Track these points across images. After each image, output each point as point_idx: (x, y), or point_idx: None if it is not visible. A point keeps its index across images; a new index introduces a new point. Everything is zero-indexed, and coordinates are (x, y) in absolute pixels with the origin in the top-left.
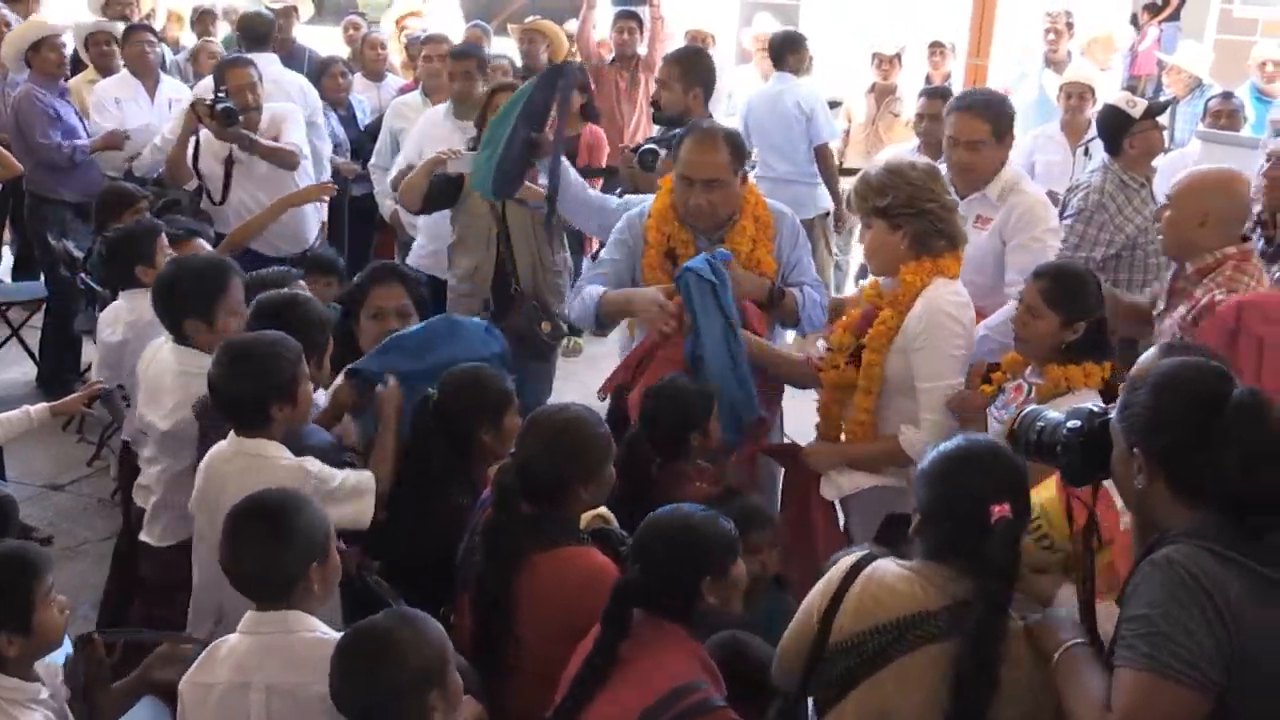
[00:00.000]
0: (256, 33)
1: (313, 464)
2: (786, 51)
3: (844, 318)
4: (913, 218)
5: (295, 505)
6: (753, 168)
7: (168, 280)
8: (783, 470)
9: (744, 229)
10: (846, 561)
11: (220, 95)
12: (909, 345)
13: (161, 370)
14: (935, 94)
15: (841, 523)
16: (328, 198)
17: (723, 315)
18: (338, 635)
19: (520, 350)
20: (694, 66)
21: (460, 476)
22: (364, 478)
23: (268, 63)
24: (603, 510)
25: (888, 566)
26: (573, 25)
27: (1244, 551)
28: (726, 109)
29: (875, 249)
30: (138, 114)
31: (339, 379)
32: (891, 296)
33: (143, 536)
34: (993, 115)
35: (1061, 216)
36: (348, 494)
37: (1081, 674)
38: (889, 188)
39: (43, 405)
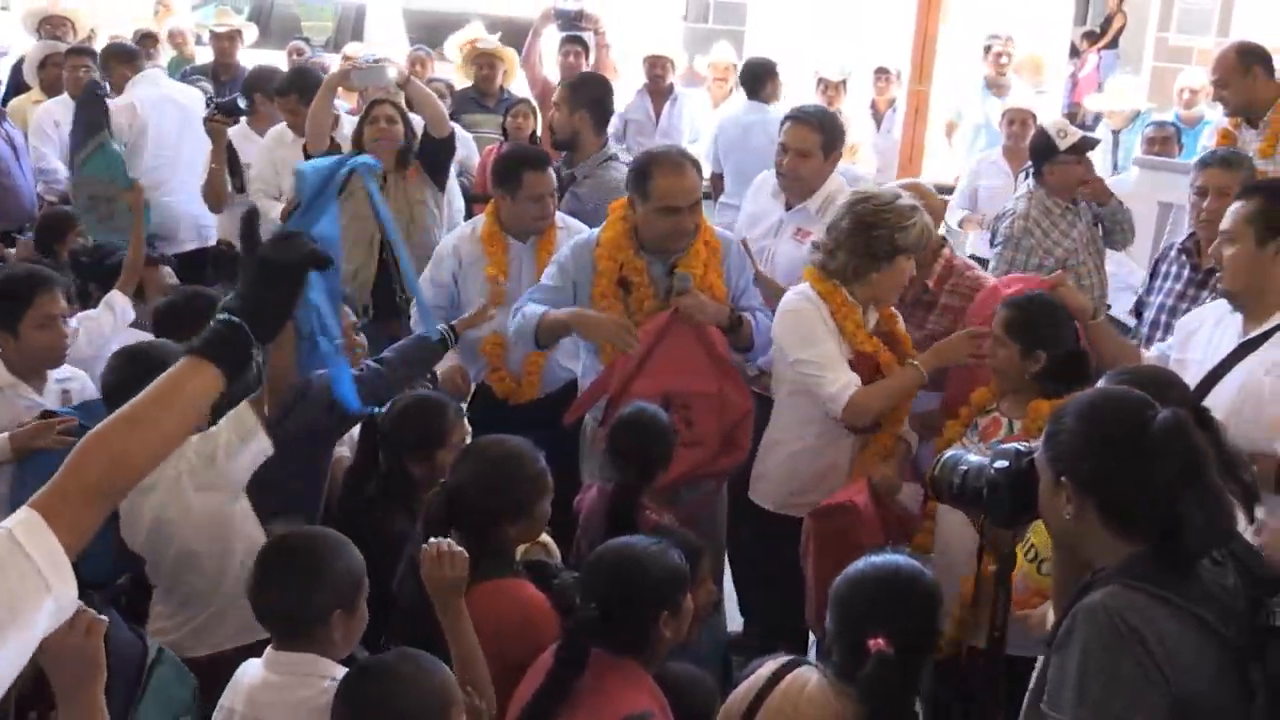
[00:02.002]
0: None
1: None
2: (764, 81)
3: None
4: (862, 238)
5: (332, 547)
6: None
7: None
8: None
9: (697, 252)
10: (770, 666)
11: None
12: None
13: None
14: None
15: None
16: None
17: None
18: None
19: None
20: (580, 90)
21: (399, 502)
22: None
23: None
24: (545, 539)
25: (808, 676)
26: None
27: (1175, 589)
28: (690, 136)
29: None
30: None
31: None
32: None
33: None
34: (824, 128)
35: (991, 244)
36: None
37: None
38: (844, 214)
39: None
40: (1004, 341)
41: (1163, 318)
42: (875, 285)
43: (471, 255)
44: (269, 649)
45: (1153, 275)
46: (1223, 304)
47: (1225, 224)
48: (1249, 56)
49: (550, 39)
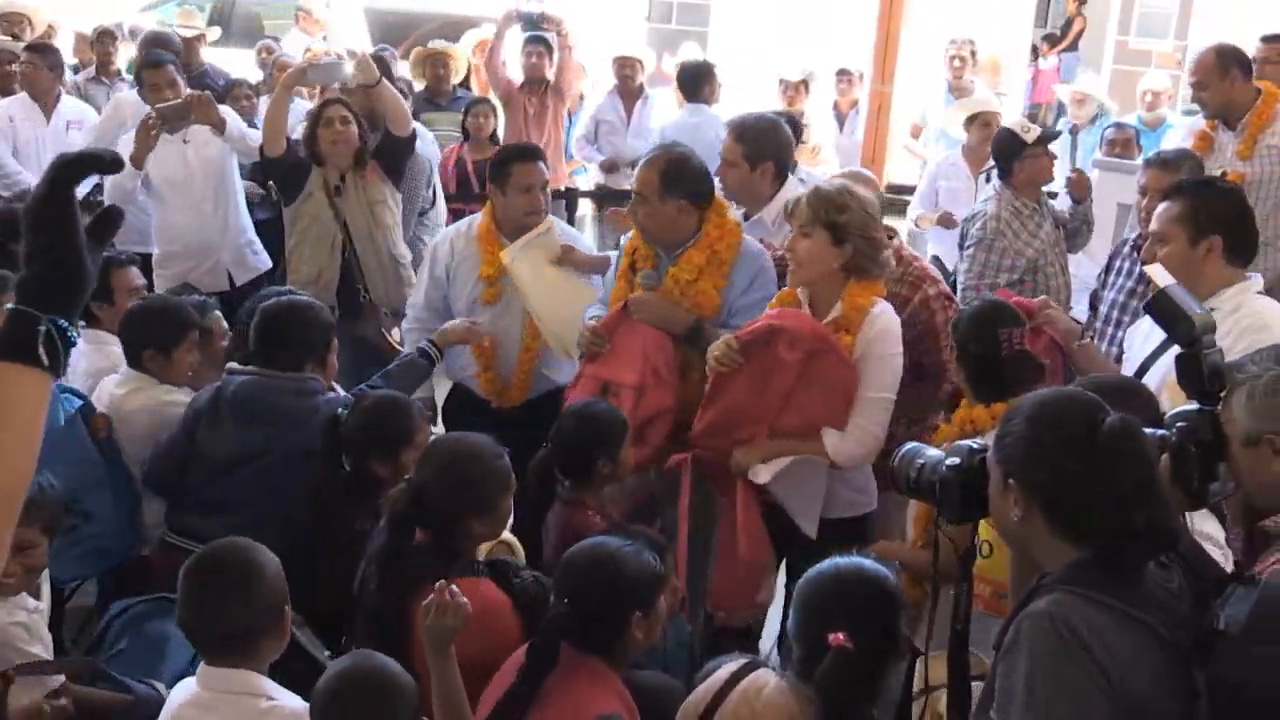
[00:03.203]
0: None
1: None
2: (702, 82)
3: None
4: (860, 240)
5: (260, 560)
6: None
7: None
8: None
9: (690, 258)
10: (728, 669)
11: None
12: (862, 355)
13: None
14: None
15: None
16: None
17: None
18: (292, 702)
19: (369, 360)
20: None
21: (361, 503)
22: None
23: None
24: (508, 537)
25: (766, 678)
26: (470, 37)
27: (1120, 595)
28: (660, 136)
29: (811, 258)
30: (29, 134)
31: None
32: (844, 321)
33: None
34: (746, 138)
35: (961, 246)
36: None
37: None
38: (847, 207)
39: None
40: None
41: (1114, 313)
42: None
43: (463, 253)
44: (202, 667)
45: (1107, 270)
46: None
47: (1155, 225)
48: (1227, 58)
49: (513, 40)
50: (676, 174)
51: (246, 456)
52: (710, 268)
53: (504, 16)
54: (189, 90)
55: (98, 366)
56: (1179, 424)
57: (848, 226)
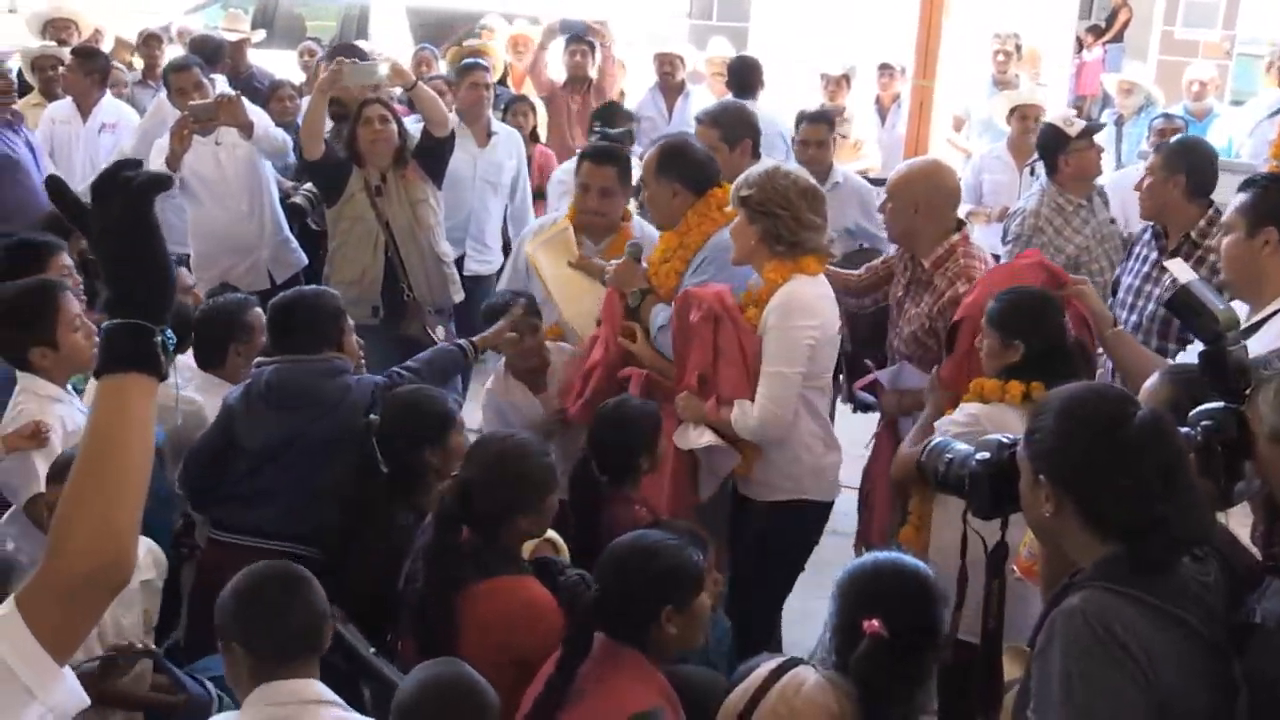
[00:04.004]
0: (204, 53)
1: None
2: (754, 78)
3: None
4: (763, 216)
5: (307, 575)
6: None
7: None
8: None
9: (667, 240)
10: (767, 667)
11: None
12: (765, 329)
13: None
14: (818, 119)
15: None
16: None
17: None
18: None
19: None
20: None
21: (403, 499)
22: None
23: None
24: (552, 536)
25: (805, 675)
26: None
27: (1153, 590)
28: None
29: (734, 235)
30: (65, 135)
31: None
32: (757, 295)
33: None
34: (723, 123)
35: (1003, 240)
36: None
37: None
38: (754, 184)
39: None
40: (987, 331)
41: (1129, 298)
42: None
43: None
44: (259, 689)
45: (1128, 256)
46: None
47: (1226, 214)
48: None
49: (555, 50)
50: (672, 157)
51: (286, 441)
52: (680, 250)
53: (547, 28)
54: (218, 92)
55: None
56: (1204, 422)
57: (752, 202)
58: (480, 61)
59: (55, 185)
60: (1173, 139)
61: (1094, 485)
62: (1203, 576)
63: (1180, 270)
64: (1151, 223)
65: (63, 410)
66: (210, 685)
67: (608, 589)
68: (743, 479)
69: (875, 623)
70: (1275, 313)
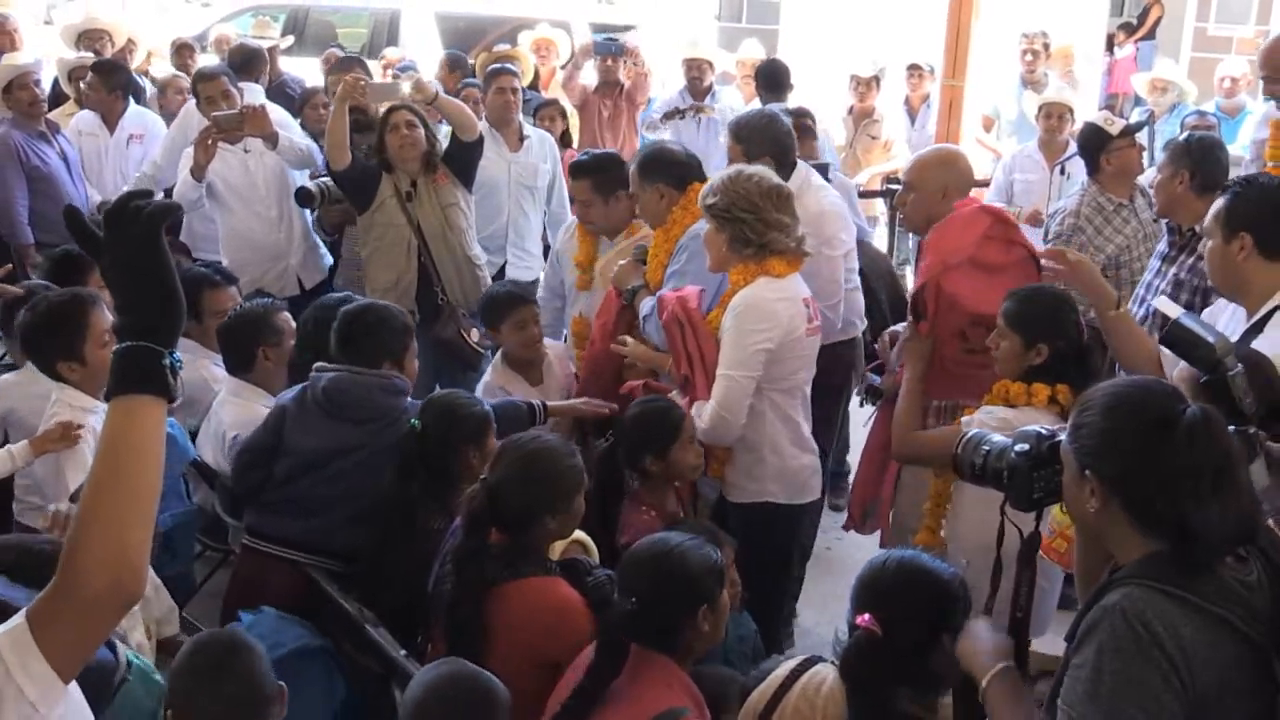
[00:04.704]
0: (239, 62)
1: None
2: (784, 81)
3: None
4: (729, 221)
5: (249, 646)
6: None
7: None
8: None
9: (656, 237)
10: (788, 666)
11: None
12: (721, 334)
13: None
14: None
15: None
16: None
17: None
18: None
19: (449, 361)
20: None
21: (436, 501)
22: None
23: (253, 94)
24: (581, 536)
25: (826, 673)
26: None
27: (1194, 589)
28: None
29: (706, 244)
30: (92, 147)
31: None
32: (725, 298)
33: None
34: (744, 136)
35: (1044, 240)
36: None
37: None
38: (718, 190)
39: (23, 443)
40: (1005, 333)
41: (1140, 291)
42: None
43: (567, 244)
44: None
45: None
46: (1220, 304)
47: (1205, 221)
48: None
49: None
50: (653, 162)
51: (338, 451)
52: (665, 244)
53: (581, 49)
54: (246, 101)
55: (188, 379)
56: None
57: (717, 209)
58: (508, 66)
59: (71, 215)
60: (1182, 136)
61: (1142, 484)
62: (1245, 576)
63: (1168, 306)
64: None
65: (95, 422)
66: (120, 648)
67: (644, 602)
68: (724, 481)
69: (867, 617)
70: (1275, 309)
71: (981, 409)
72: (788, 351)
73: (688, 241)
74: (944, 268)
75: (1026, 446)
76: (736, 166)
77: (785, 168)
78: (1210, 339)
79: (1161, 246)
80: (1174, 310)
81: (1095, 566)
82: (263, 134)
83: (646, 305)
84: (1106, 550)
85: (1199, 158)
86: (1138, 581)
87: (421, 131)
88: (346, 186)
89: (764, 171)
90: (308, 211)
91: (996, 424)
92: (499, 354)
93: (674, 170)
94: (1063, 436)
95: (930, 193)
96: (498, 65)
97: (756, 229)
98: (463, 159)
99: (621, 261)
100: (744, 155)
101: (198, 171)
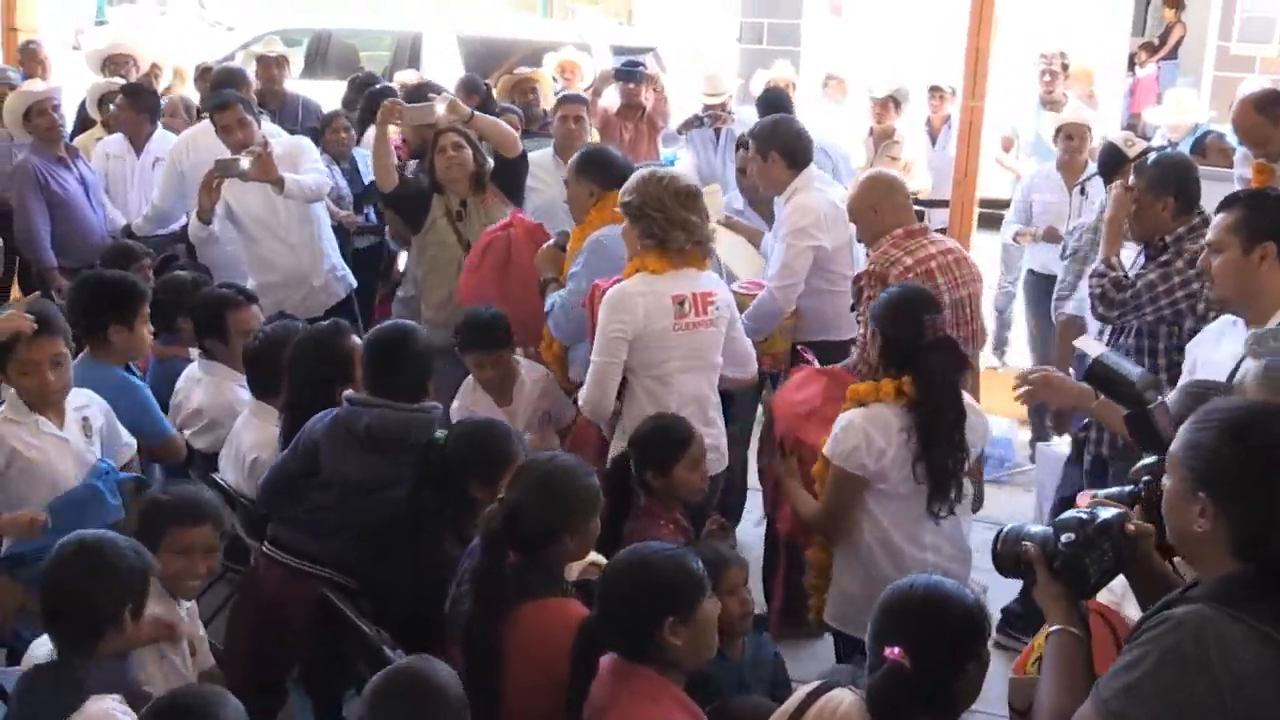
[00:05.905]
0: (216, 84)
1: None
2: (786, 107)
3: None
4: (640, 218)
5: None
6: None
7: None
8: None
9: (574, 235)
10: (804, 689)
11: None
12: None
13: None
14: (569, 99)
15: None
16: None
17: None
18: None
19: None
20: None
21: (453, 525)
22: None
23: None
24: (597, 558)
25: (843, 696)
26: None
27: (1264, 616)
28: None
29: (624, 238)
30: (119, 170)
31: None
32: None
33: None
34: (754, 135)
35: (1062, 257)
36: None
37: (1059, 671)
38: (633, 189)
39: None
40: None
41: None
42: None
43: None
44: None
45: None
46: (1218, 324)
47: (1210, 235)
48: (1271, 107)
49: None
50: (590, 162)
51: (387, 482)
52: (580, 240)
53: (600, 75)
54: (262, 132)
55: (214, 401)
56: (1145, 477)
57: (631, 207)
58: (576, 94)
59: None
60: (1150, 158)
61: (1263, 509)
62: None
63: (1089, 346)
64: None
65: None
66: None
67: (606, 607)
68: None
69: (897, 650)
70: None
71: (838, 423)
72: (651, 342)
73: (589, 245)
74: (798, 421)
75: (1073, 536)
76: (651, 168)
77: (797, 166)
78: (1133, 376)
79: (1139, 260)
80: (1096, 350)
81: (1155, 592)
82: (269, 180)
83: (554, 298)
84: (1164, 581)
85: (1181, 182)
86: (1208, 602)
87: (469, 152)
88: (399, 207)
89: (675, 173)
90: (333, 232)
91: (856, 434)
92: (470, 376)
93: (610, 172)
94: (1103, 514)
95: (863, 213)
96: (569, 93)
97: (662, 226)
98: (508, 176)
99: (546, 245)
100: (756, 152)
101: (202, 215)
